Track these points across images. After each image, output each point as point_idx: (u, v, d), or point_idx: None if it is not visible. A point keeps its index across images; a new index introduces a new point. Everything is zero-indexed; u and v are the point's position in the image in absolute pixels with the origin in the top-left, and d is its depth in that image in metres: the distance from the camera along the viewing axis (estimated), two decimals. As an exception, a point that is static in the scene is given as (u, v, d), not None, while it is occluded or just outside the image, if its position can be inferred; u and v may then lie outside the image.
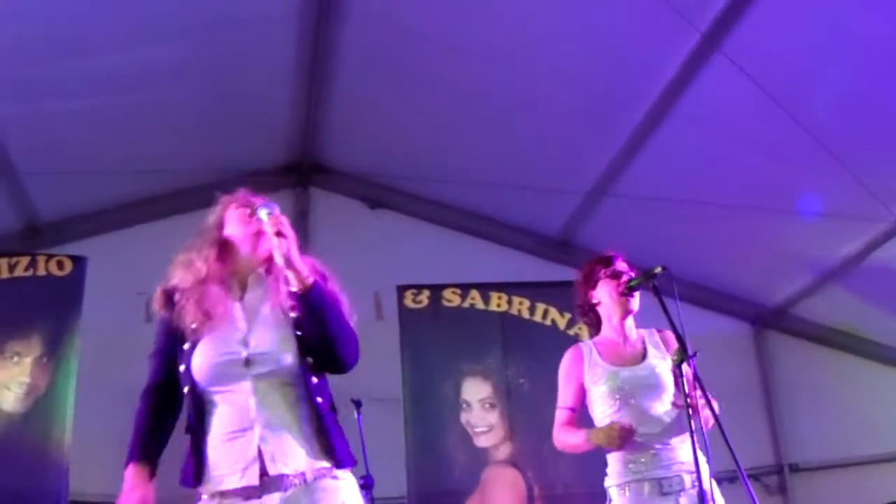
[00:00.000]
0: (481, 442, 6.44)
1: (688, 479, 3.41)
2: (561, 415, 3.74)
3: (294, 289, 2.55)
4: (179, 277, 2.72)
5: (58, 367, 6.22)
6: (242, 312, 2.64)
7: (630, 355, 3.69)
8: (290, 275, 2.54)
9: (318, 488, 2.45)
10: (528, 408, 6.19)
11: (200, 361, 2.54)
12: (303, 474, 2.45)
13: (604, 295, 3.75)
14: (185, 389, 2.57)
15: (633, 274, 3.73)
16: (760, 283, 8.01)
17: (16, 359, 6.19)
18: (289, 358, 2.55)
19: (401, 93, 7.06)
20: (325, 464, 2.49)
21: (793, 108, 6.01)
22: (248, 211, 2.78)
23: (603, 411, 3.63)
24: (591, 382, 3.67)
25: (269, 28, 6.43)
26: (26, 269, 6.36)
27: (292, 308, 2.58)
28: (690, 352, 3.28)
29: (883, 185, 6.41)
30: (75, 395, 6.15)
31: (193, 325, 2.57)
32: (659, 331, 3.77)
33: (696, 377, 3.26)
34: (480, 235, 8.23)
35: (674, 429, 3.52)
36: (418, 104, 7.15)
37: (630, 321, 3.74)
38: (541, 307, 6.87)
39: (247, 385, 2.50)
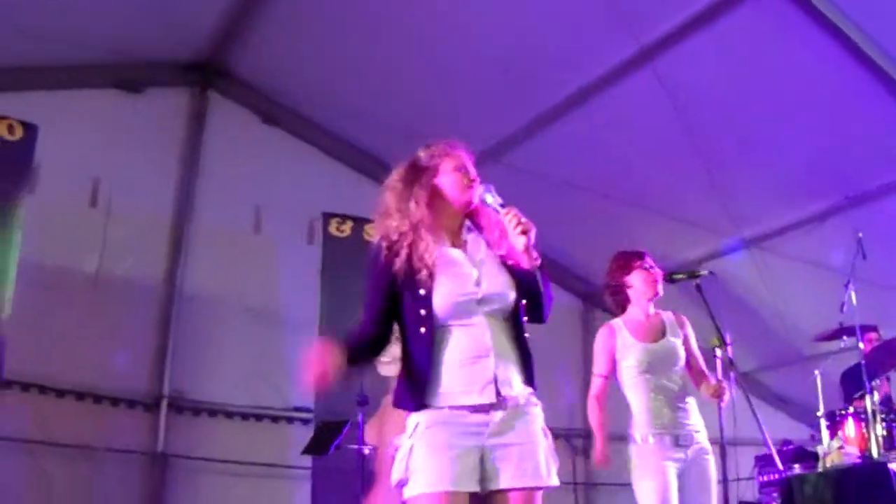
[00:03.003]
0: (384, 371, 7.28)
1: (695, 436, 4.58)
2: (597, 382, 4.76)
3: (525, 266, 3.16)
4: (396, 223, 3.16)
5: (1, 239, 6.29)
6: (466, 258, 3.18)
7: (652, 332, 4.77)
8: (525, 257, 3.12)
9: (527, 411, 3.06)
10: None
11: (441, 302, 3.04)
12: (517, 397, 3.04)
13: (638, 281, 4.81)
14: (422, 329, 3.05)
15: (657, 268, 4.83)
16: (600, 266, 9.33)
17: None
18: (512, 298, 3.15)
19: (326, 22, 7.53)
20: (530, 390, 3.11)
21: (693, 129, 7.32)
22: (465, 179, 3.21)
23: (630, 377, 4.70)
24: (621, 356, 4.72)
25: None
26: None
27: (507, 257, 3.18)
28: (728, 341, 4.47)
29: (738, 209, 7.91)
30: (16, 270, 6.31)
31: (425, 272, 3.07)
32: (675, 314, 4.87)
33: (730, 361, 4.45)
34: (363, 172, 8.91)
35: (683, 394, 4.66)
36: (340, 36, 7.65)
37: (651, 305, 4.84)
38: None
39: (481, 319, 3.05)
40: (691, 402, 4.66)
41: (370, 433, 6.46)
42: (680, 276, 4.96)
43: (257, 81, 8.52)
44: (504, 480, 2.92)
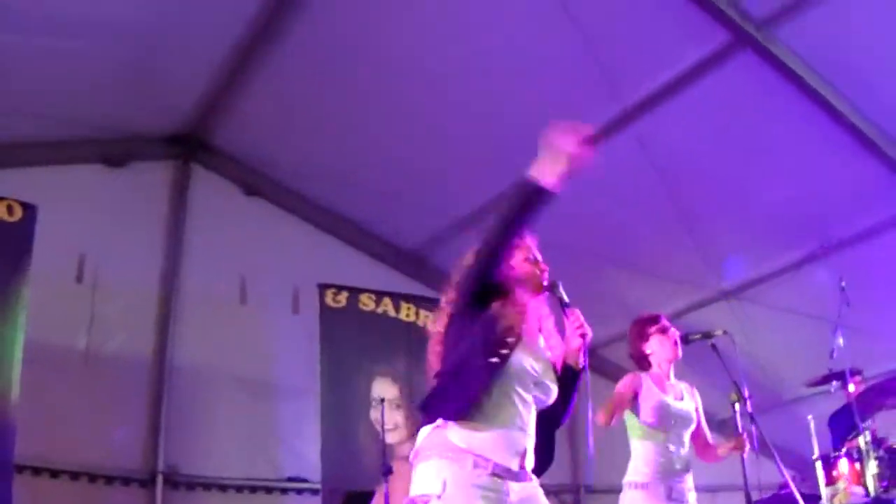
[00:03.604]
0: (388, 438, 7.51)
1: (687, 494, 4.89)
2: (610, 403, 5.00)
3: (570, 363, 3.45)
4: None
5: (3, 319, 6.36)
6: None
7: (674, 392, 5.05)
8: (576, 358, 3.43)
9: (538, 488, 3.27)
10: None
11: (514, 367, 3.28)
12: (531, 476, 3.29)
13: (656, 345, 5.10)
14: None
15: (674, 329, 5.13)
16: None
17: None
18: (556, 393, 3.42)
19: (307, 94, 7.77)
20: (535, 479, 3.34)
21: (672, 186, 7.70)
22: (536, 269, 3.51)
23: (645, 427, 4.95)
24: (643, 400, 4.98)
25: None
26: None
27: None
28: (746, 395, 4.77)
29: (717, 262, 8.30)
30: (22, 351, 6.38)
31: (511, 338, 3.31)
32: (688, 385, 5.21)
33: (751, 416, 4.75)
34: (347, 240, 9.24)
35: (687, 456, 4.95)
36: (322, 108, 7.89)
37: (672, 368, 5.12)
38: None
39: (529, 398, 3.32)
40: (690, 465, 4.98)
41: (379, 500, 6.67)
42: (696, 336, 5.29)
43: (239, 153, 8.74)
44: None
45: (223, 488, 8.06)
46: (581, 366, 3.41)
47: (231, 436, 8.21)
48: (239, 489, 8.13)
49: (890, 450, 6.63)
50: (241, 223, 8.72)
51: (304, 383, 8.35)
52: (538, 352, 3.39)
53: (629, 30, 6.78)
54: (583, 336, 3.38)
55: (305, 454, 8.30)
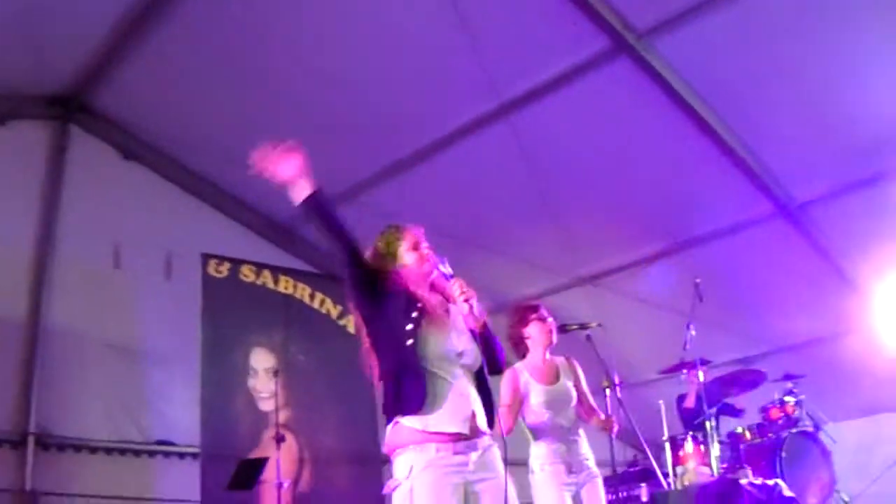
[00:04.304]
0: (263, 406, 7.93)
1: (585, 464, 5.45)
2: (503, 410, 5.49)
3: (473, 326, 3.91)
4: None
5: None
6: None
7: (549, 375, 5.63)
8: (470, 318, 3.82)
9: (492, 450, 3.76)
10: (303, 381, 7.69)
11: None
12: (486, 435, 3.78)
13: (534, 331, 5.66)
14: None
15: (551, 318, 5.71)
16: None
17: None
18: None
19: (191, 63, 8.00)
20: (489, 431, 3.84)
21: (542, 178, 8.30)
22: (421, 254, 3.96)
23: (531, 414, 5.52)
24: (524, 393, 5.53)
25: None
26: None
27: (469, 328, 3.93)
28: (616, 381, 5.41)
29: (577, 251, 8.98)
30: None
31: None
32: (566, 358, 5.75)
33: (619, 401, 5.38)
34: (220, 209, 9.52)
35: (575, 428, 5.55)
36: (205, 78, 8.12)
37: (547, 352, 5.70)
38: (319, 296, 8.66)
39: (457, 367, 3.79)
40: (582, 435, 5.53)
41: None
42: (573, 326, 5.91)
43: (119, 118, 8.85)
44: None
45: (93, 450, 8.24)
46: (480, 321, 3.82)
47: (101, 399, 8.40)
48: (108, 451, 8.32)
49: (731, 435, 7.47)
50: (118, 188, 8.84)
51: (173, 349, 8.70)
52: (450, 325, 3.84)
53: (514, 28, 7.27)
54: (467, 300, 3.78)
55: (173, 418, 8.63)
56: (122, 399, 8.53)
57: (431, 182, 8.69)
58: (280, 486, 6.62)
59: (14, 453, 7.85)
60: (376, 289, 3.83)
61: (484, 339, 3.89)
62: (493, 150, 8.29)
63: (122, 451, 8.42)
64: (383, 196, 8.88)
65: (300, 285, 8.71)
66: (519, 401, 5.53)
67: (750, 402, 8.17)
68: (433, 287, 3.97)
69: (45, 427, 8.03)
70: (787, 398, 7.84)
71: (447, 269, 3.90)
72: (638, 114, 7.71)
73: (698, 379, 7.51)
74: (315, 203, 3.86)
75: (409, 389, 3.68)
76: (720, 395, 7.74)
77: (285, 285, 8.65)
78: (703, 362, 7.63)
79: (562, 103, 7.72)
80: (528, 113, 7.89)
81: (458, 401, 3.70)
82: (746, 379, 7.98)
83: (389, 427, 3.73)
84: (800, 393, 7.90)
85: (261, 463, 6.61)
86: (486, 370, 3.89)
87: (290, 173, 3.92)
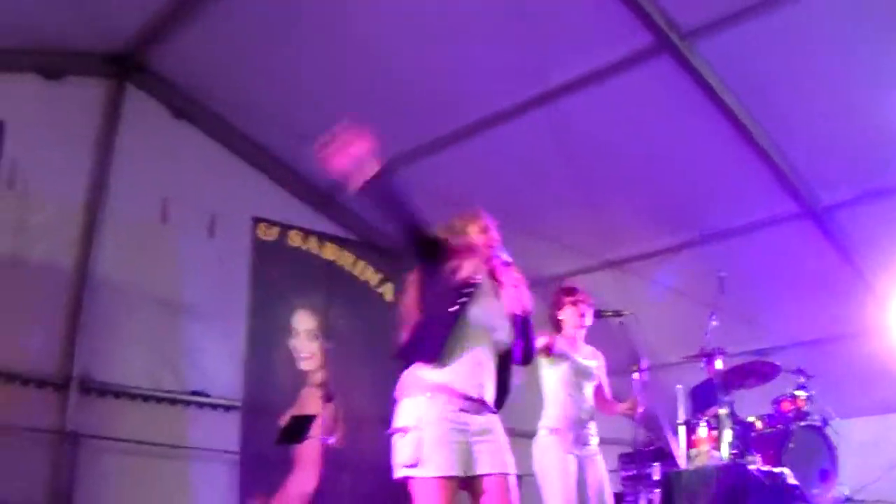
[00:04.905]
0: (303, 365, 8.55)
1: (590, 440, 6.11)
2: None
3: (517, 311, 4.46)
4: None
5: None
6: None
7: (582, 352, 6.25)
8: (518, 306, 4.39)
9: (496, 421, 4.25)
10: (341, 344, 8.24)
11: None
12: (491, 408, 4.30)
13: (567, 315, 6.25)
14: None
15: (588, 299, 6.28)
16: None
17: None
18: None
19: (248, 28, 8.40)
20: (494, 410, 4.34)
21: (578, 165, 8.84)
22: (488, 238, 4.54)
23: (556, 379, 6.11)
24: (556, 355, 6.12)
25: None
26: None
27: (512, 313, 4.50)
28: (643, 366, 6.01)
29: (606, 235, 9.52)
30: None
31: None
32: (593, 350, 6.43)
33: (644, 384, 5.97)
34: (265, 171, 10.11)
35: (590, 407, 6.15)
36: (261, 43, 8.53)
37: (582, 333, 6.28)
38: (361, 263, 9.22)
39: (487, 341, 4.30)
40: (593, 414, 6.20)
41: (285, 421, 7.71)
42: (608, 313, 6.47)
43: (172, 77, 9.35)
44: (487, 467, 4.10)
45: (132, 397, 8.81)
46: (522, 311, 4.35)
47: (142, 348, 8.98)
48: (146, 398, 8.90)
49: (742, 423, 8.02)
50: (168, 146, 9.35)
51: (212, 305, 9.30)
52: (493, 303, 4.35)
53: (563, 19, 7.69)
54: (515, 286, 4.33)
55: (209, 371, 9.25)
56: (162, 349, 9.12)
57: (470, 161, 9.22)
58: (325, 441, 7.22)
59: (57, 395, 8.42)
60: (436, 257, 4.30)
61: (523, 328, 4.40)
62: (532, 134, 8.80)
63: (159, 400, 9.01)
64: (423, 171, 9.39)
65: (344, 252, 9.35)
66: (547, 347, 6.15)
67: (763, 394, 8.69)
68: (489, 268, 4.47)
69: (88, 372, 8.60)
70: (798, 392, 8.34)
71: (506, 257, 4.43)
72: (675, 110, 8.19)
73: (716, 367, 8.06)
74: (382, 184, 4.22)
75: (436, 342, 4.14)
76: (736, 385, 8.27)
77: (330, 251, 9.27)
78: (721, 352, 8.15)
79: (602, 95, 8.20)
80: (569, 102, 8.39)
81: (476, 368, 4.18)
82: (761, 371, 8.49)
83: (404, 372, 4.21)
84: (811, 388, 8.41)
85: (309, 419, 7.19)
86: (513, 356, 4.39)
87: (358, 158, 4.15)
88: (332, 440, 7.30)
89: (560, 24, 7.77)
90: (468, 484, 4.07)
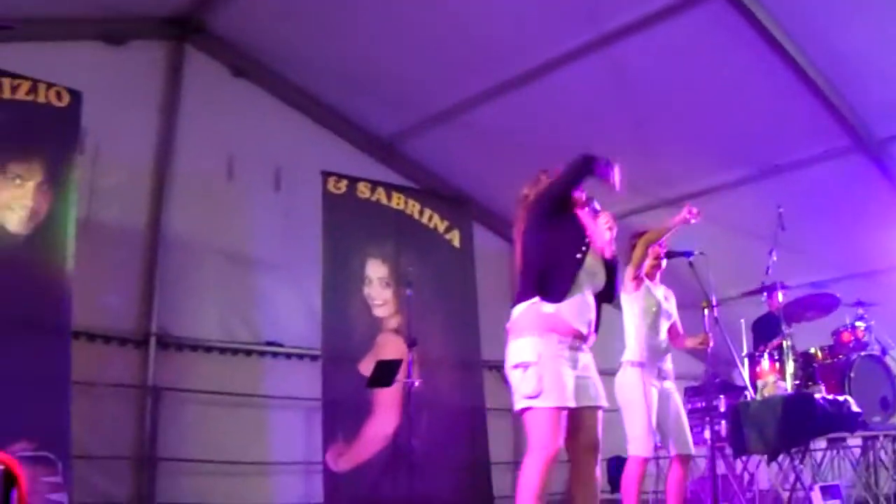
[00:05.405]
0: (377, 312, 9.06)
1: (668, 372, 6.70)
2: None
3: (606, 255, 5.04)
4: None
5: (58, 196, 7.48)
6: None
7: (659, 292, 6.72)
8: (608, 248, 5.02)
9: (590, 356, 4.91)
10: (413, 290, 8.64)
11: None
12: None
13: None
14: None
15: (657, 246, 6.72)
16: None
17: (18, 181, 7.32)
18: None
19: None
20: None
21: (633, 104, 9.19)
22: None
23: (638, 314, 6.61)
24: (637, 298, 6.61)
25: None
26: (28, 93, 7.43)
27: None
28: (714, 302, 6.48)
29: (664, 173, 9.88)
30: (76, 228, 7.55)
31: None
32: (666, 288, 6.84)
33: (716, 319, 6.44)
34: (326, 125, 10.53)
35: (667, 342, 6.64)
36: (316, 4, 8.94)
37: (657, 273, 6.75)
38: (427, 212, 9.71)
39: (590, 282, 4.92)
40: (670, 349, 6.75)
41: (367, 366, 8.21)
42: (675, 255, 6.90)
43: (229, 37, 9.73)
44: (588, 400, 4.72)
45: (208, 349, 9.33)
46: (611, 255, 5.00)
47: (215, 302, 9.51)
48: (222, 351, 9.42)
49: (804, 354, 8.45)
50: (229, 104, 9.75)
51: (281, 257, 9.82)
52: (595, 249, 4.96)
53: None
54: (609, 229, 5.03)
55: (281, 321, 9.77)
56: (234, 303, 9.65)
57: (527, 106, 9.58)
58: (412, 385, 7.75)
59: (138, 352, 8.97)
60: (566, 209, 5.01)
61: (611, 269, 5.00)
62: (589, 77, 9.13)
63: (234, 351, 9.54)
64: (482, 116, 9.83)
65: (411, 201, 9.81)
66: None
67: (822, 326, 9.09)
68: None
69: (165, 328, 9.12)
70: (857, 323, 8.73)
71: (597, 206, 5.09)
72: (729, 50, 8.44)
73: (778, 300, 8.50)
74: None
75: (560, 283, 4.73)
76: (796, 318, 8.68)
77: (397, 201, 9.72)
78: (783, 286, 8.57)
79: (658, 37, 8.46)
80: (624, 45, 8.66)
81: (585, 307, 4.78)
82: (822, 303, 8.89)
83: (523, 306, 4.72)
84: (870, 318, 8.80)
85: (397, 364, 7.70)
86: (603, 295, 4.99)
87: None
88: (417, 383, 7.79)
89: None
90: (572, 414, 4.61)
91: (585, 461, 4.73)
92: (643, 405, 6.41)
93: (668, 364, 6.72)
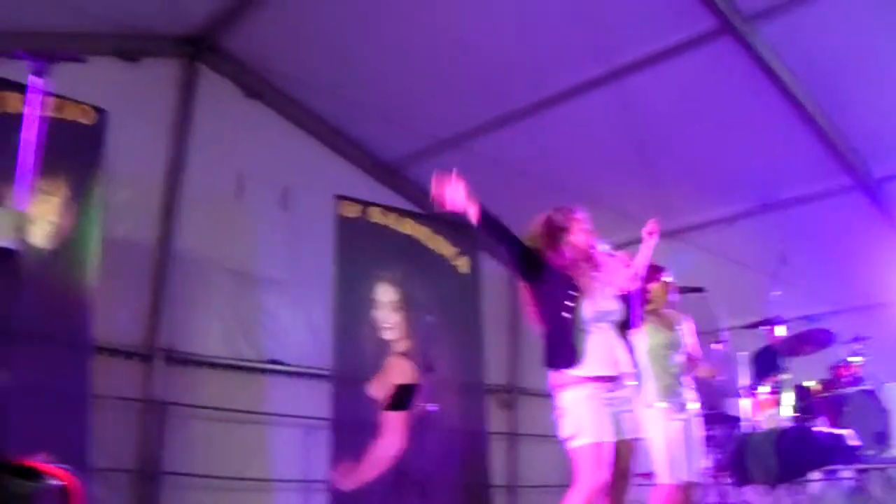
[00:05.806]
0: (386, 335, 9.33)
1: (687, 403, 6.88)
2: None
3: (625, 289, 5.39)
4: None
5: (83, 212, 7.75)
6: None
7: (667, 324, 6.99)
8: (628, 283, 5.39)
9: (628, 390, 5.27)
10: (421, 315, 8.97)
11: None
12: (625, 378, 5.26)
13: (656, 290, 6.98)
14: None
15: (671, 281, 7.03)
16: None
17: (44, 196, 7.51)
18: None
19: (315, 8, 9.03)
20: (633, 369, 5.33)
21: (640, 139, 9.51)
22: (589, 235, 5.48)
23: (652, 356, 6.87)
24: (649, 332, 6.89)
25: None
26: (55, 110, 7.58)
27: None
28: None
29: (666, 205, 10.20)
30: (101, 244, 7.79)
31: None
32: (682, 315, 7.12)
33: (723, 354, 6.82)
34: (334, 148, 10.85)
35: (682, 373, 6.92)
36: (326, 23, 9.17)
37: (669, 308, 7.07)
38: (438, 238, 9.94)
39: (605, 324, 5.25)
40: (688, 379, 6.97)
41: (376, 388, 8.48)
42: (689, 289, 7.25)
43: (242, 58, 9.99)
44: (621, 434, 5.10)
45: (212, 366, 9.54)
46: (635, 284, 5.44)
47: (221, 319, 9.73)
48: (225, 367, 9.64)
49: (800, 387, 8.80)
50: (240, 123, 10.01)
51: (286, 276, 10.07)
52: (599, 292, 5.28)
53: (629, 1, 8.40)
54: (627, 266, 5.39)
55: (284, 339, 10.03)
56: (240, 320, 9.86)
57: (535, 136, 9.92)
58: (431, 410, 8.03)
59: (143, 366, 9.12)
60: (541, 269, 5.28)
61: (631, 301, 5.39)
62: (596, 111, 9.49)
63: (238, 368, 9.75)
64: (489, 145, 10.13)
65: (422, 227, 10.15)
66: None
67: (816, 361, 9.42)
68: (590, 259, 5.39)
69: (172, 343, 9.30)
70: (853, 358, 9.07)
71: (605, 248, 5.36)
72: (734, 88, 8.86)
73: (776, 334, 8.84)
74: (484, 221, 5.24)
75: (567, 349, 5.12)
76: (794, 352, 9.02)
77: (408, 227, 10.05)
78: (782, 320, 8.91)
79: (666, 74, 8.89)
80: (632, 81, 9.06)
81: (608, 352, 5.16)
82: (818, 338, 9.23)
83: (552, 372, 5.17)
84: (865, 353, 9.13)
85: (414, 388, 8.00)
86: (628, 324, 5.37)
87: (459, 201, 5.22)
88: (433, 408, 8.08)
89: (627, 7, 8.44)
90: (617, 445, 5.05)
91: (617, 487, 5.13)
92: (665, 442, 6.63)
93: (687, 394, 6.91)
